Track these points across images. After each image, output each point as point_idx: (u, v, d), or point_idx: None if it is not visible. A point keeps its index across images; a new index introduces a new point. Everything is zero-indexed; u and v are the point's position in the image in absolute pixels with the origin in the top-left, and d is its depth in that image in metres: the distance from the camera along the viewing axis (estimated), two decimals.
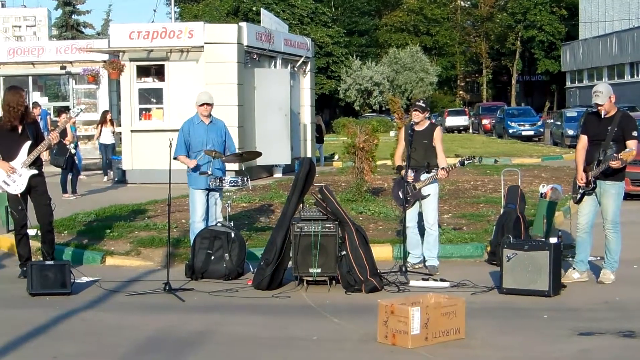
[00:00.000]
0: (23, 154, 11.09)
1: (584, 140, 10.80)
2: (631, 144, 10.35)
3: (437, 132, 11.65)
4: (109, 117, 25.39)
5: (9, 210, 11.49)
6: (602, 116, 10.53)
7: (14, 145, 11.12)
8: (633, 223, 14.10)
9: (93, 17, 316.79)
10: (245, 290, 10.55)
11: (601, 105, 10.46)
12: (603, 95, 10.45)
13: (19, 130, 11.10)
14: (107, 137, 24.96)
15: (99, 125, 25.31)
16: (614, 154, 10.27)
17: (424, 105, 11.63)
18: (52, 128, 14.95)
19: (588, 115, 11.08)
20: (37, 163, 11.26)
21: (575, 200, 10.92)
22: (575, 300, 9.84)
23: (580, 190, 10.67)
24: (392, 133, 48.94)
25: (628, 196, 18.75)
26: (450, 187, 19.80)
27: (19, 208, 11.10)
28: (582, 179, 10.61)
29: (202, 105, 11.95)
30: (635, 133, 10.46)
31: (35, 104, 23.09)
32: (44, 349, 8.10)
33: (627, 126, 10.46)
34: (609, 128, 10.44)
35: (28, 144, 11.12)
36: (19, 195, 11.11)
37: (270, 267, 10.50)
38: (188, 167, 11.93)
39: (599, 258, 11.28)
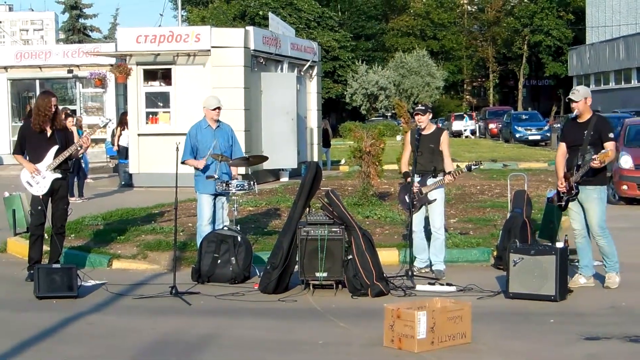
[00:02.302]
0: (49, 157, 11.25)
1: (562, 147, 10.83)
2: (608, 145, 10.36)
3: (444, 137, 11.66)
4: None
5: (29, 210, 11.74)
6: (575, 115, 10.56)
7: (41, 148, 11.32)
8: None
9: (100, 21, 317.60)
10: (251, 294, 10.56)
11: (575, 102, 10.49)
12: (579, 93, 10.54)
13: (48, 134, 11.29)
14: (125, 140, 24.79)
15: (119, 128, 25.14)
16: (593, 157, 10.26)
17: (423, 108, 11.65)
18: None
19: (565, 122, 11.13)
20: (62, 167, 11.38)
21: (561, 208, 10.92)
22: (582, 305, 9.84)
23: (565, 197, 10.67)
24: (398, 137, 48.87)
25: (635, 201, 18.82)
26: (457, 192, 19.79)
27: (39, 208, 11.29)
28: (562, 184, 10.61)
29: (214, 109, 11.99)
30: (611, 135, 10.51)
31: (65, 109, 22.99)
32: (51, 352, 8.12)
33: (603, 128, 10.49)
34: (585, 132, 10.45)
35: (55, 148, 11.29)
36: (41, 196, 11.23)
37: (276, 271, 10.50)
38: (196, 171, 11.98)
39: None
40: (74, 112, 24.72)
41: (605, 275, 10.76)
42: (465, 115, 71.02)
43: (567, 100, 10.63)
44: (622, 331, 8.52)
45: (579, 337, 8.36)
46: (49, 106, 11.20)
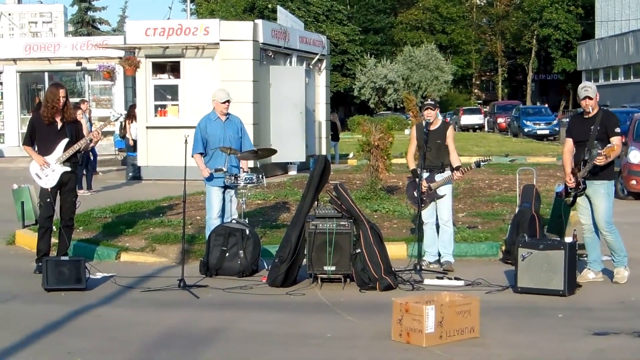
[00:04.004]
0: (59, 150, 11.27)
1: (569, 143, 10.79)
2: (615, 139, 10.30)
3: (450, 131, 11.66)
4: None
5: (38, 202, 11.74)
6: (590, 112, 10.49)
7: (50, 141, 11.33)
8: None
9: (109, 14, 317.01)
10: (259, 287, 10.56)
11: (591, 99, 10.42)
12: (592, 90, 10.50)
13: (58, 127, 11.30)
14: (134, 133, 24.73)
15: (128, 121, 25.03)
16: (599, 152, 10.23)
17: (433, 103, 11.65)
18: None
19: (572, 117, 11.10)
20: (71, 160, 11.40)
21: (568, 203, 10.89)
22: (591, 300, 9.82)
23: (572, 193, 10.64)
24: (406, 131, 48.84)
25: None
26: (465, 186, 19.77)
27: (47, 200, 11.31)
28: (570, 180, 10.57)
29: (224, 102, 11.99)
30: (618, 129, 10.45)
31: (83, 101, 22.98)
32: (59, 344, 8.13)
33: (609, 123, 10.45)
34: (591, 128, 10.42)
35: (65, 141, 11.30)
36: (50, 189, 11.25)
37: (284, 265, 10.50)
38: (205, 164, 11.97)
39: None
40: (84, 101, 24.47)
41: (614, 270, 10.73)
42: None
43: (582, 98, 10.53)
44: (630, 326, 8.51)
45: (587, 332, 8.34)
46: (57, 98, 11.21)
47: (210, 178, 11.86)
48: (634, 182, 18.73)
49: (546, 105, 63.52)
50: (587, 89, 10.53)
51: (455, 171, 11.45)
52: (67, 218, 11.47)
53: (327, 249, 10.39)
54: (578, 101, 10.80)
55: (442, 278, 10.89)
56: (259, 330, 8.63)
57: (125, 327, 8.82)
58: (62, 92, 11.29)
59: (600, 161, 10.20)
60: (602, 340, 8.09)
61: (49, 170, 11.25)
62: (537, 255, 9.93)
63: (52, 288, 10.28)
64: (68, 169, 11.37)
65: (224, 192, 12.03)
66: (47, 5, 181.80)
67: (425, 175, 11.51)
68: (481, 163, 11.77)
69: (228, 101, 12.04)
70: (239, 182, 11.75)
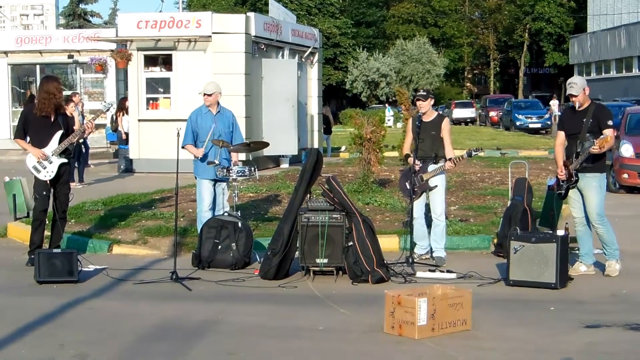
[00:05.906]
0: (54, 142, 11.27)
1: (561, 136, 10.82)
2: (607, 132, 10.32)
3: (445, 123, 11.65)
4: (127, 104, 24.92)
5: (33, 195, 11.74)
6: (577, 108, 10.53)
7: (45, 133, 11.31)
8: None
9: (100, 6, 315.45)
10: (251, 280, 10.56)
11: (575, 97, 10.45)
12: (577, 86, 10.46)
13: (52, 119, 11.29)
14: (125, 125, 24.62)
15: (119, 113, 24.88)
16: (593, 140, 10.24)
17: (424, 94, 11.61)
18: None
19: (564, 110, 11.11)
20: (65, 152, 11.41)
21: (560, 196, 10.91)
22: (582, 293, 9.83)
23: (564, 185, 10.65)
24: (399, 124, 48.84)
25: (635, 189, 18.83)
26: (457, 179, 19.78)
27: (44, 193, 11.31)
28: (562, 172, 10.59)
29: (204, 95, 11.98)
30: (610, 122, 10.47)
31: (75, 94, 22.91)
32: (51, 336, 8.12)
33: (602, 116, 10.47)
34: (584, 120, 10.44)
35: (60, 133, 11.31)
36: (47, 181, 11.26)
37: (277, 257, 10.50)
38: (195, 157, 11.95)
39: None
40: (75, 93, 24.42)
41: (605, 263, 10.76)
42: (387, 105, 68.38)
43: (567, 94, 10.58)
44: (622, 319, 8.53)
45: (579, 324, 8.36)
46: (60, 89, 11.30)
47: (204, 159, 11.82)
48: (625, 175, 18.77)
49: (555, 99, 63.61)
50: (572, 85, 10.51)
51: (447, 161, 11.44)
52: (61, 210, 11.47)
53: (320, 242, 10.39)
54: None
55: (434, 271, 10.89)
56: (251, 323, 8.63)
57: (117, 319, 8.81)
58: (60, 85, 11.40)
59: (595, 150, 10.20)
60: (593, 333, 8.11)
61: (46, 162, 11.24)
62: (529, 248, 9.95)
63: (44, 280, 10.27)
64: (65, 160, 11.39)
65: (214, 185, 12.02)
66: None
67: (418, 164, 11.48)
68: (473, 153, 11.77)
69: (206, 94, 11.96)
70: (230, 174, 11.74)
